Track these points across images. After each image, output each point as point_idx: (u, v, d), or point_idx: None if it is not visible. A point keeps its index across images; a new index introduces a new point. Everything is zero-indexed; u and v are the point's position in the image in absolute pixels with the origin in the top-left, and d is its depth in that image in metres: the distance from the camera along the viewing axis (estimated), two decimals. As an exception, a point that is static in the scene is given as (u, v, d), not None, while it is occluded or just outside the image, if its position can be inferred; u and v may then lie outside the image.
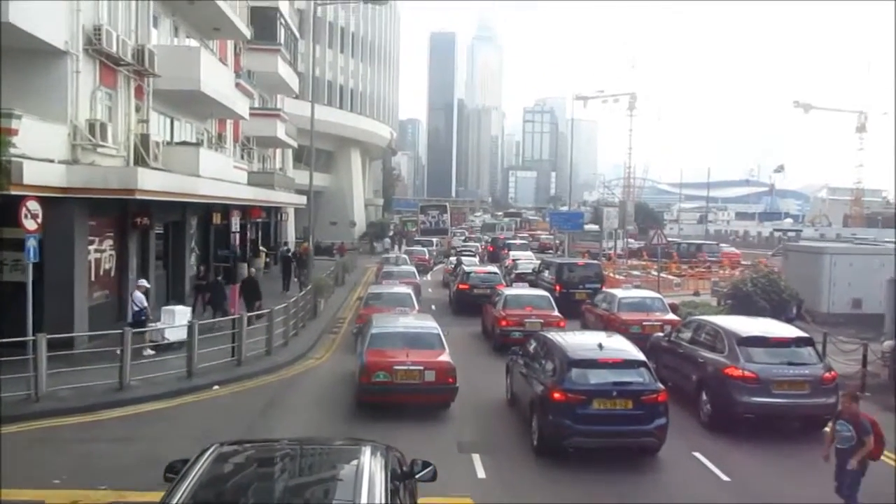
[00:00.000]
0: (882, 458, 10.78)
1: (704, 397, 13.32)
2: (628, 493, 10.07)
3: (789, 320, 20.83)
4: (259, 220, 40.90)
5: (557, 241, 57.17)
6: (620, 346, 12.41)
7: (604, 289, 25.51)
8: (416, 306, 21.20)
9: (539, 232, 79.38)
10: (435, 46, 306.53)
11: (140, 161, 20.50)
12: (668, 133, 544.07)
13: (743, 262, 43.09)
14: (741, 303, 21.41)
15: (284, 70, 37.92)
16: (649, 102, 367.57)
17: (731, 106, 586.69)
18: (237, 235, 18.14)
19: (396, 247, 57.68)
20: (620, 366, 11.49)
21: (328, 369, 17.74)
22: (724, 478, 10.57)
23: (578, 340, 13.14)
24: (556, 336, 13.22)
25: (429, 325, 15.19)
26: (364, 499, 4.80)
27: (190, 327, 15.46)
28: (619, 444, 11.27)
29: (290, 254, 35.11)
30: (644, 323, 19.47)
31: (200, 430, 11.77)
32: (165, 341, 17.42)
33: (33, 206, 13.29)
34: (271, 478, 5.68)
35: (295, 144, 45.88)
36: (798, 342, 13.27)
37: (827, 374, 12.82)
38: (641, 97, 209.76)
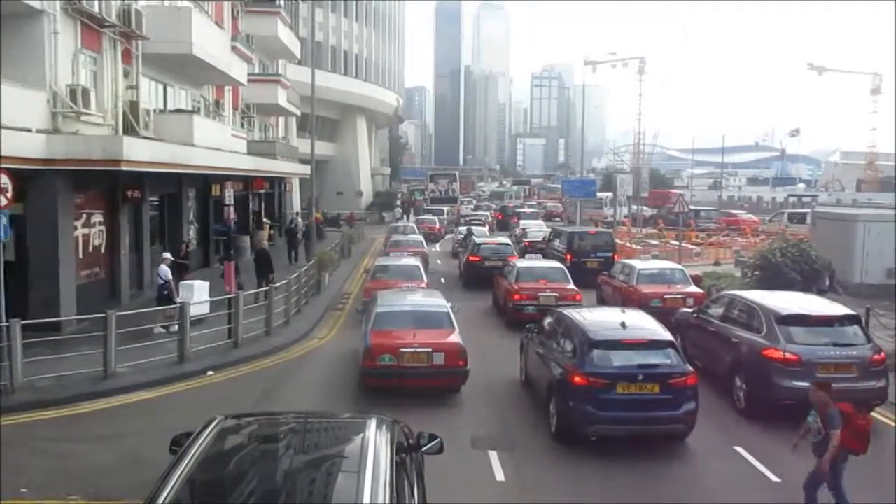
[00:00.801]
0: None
1: (739, 381, 12.23)
2: (666, 495, 8.95)
3: (821, 292, 19.69)
4: (262, 191, 39.72)
5: (568, 209, 56.14)
6: (645, 325, 11.39)
7: (621, 259, 24.45)
8: (425, 278, 20.55)
9: (546, 200, 78.46)
10: (441, 13, 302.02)
11: (129, 130, 19.31)
12: (678, 98, 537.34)
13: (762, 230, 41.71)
14: (770, 274, 20.11)
15: (285, 34, 36.38)
16: (659, 66, 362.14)
17: (743, 70, 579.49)
18: (230, 209, 16.86)
19: (405, 216, 56.60)
20: (646, 346, 10.57)
21: (331, 350, 16.64)
22: (774, 478, 9.39)
23: (599, 318, 12.04)
24: (575, 313, 12.12)
25: (437, 302, 14.26)
26: (369, 472, 4.69)
27: (182, 308, 14.29)
28: (645, 432, 10.39)
29: (294, 225, 34.04)
30: (665, 296, 18.44)
31: (190, 423, 10.61)
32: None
33: (3, 179, 12.08)
34: (275, 451, 5.53)
35: (298, 112, 44.35)
36: (843, 320, 12.09)
37: (876, 356, 11.65)
38: (651, 61, 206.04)
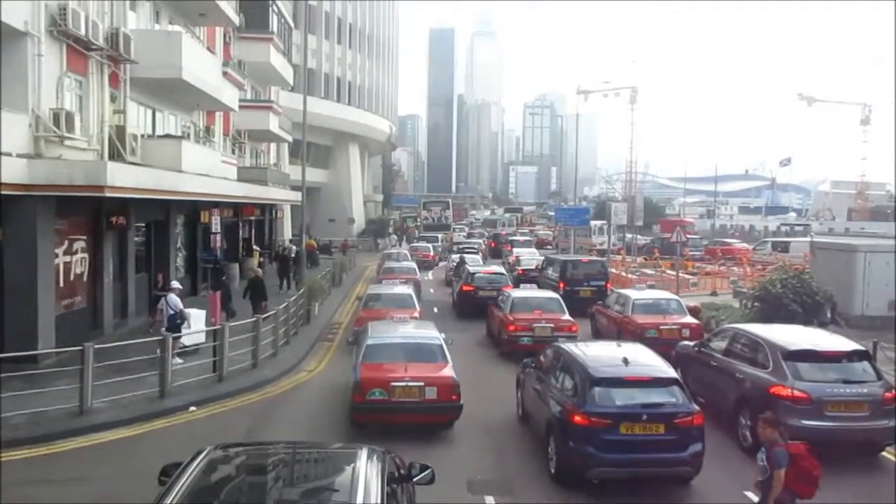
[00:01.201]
0: (883, 455, 9.37)
1: (744, 419, 11.71)
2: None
3: (822, 324, 19.30)
4: (252, 217, 39.21)
5: (558, 237, 56.03)
6: (648, 361, 10.94)
7: (615, 289, 24.25)
8: (418, 307, 20.28)
9: (537, 228, 78.66)
10: (434, 42, 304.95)
11: (116, 155, 18.80)
12: (668, 127, 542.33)
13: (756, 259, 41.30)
14: (770, 306, 19.69)
15: (277, 60, 36.11)
16: (650, 96, 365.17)
17: (733, 100, 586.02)
18: (217, 237, 16.33)
19: (399, 243, 56.47)
20: (650, 384, 10.11)
21: (321, 384, 16.01)
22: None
23: (599, 353, 11.54)
24: (574, 348, 11.70)
25: (430, 334, 13.76)
26: (359, 502, 4.75)
27: (163, 341, 13.67)
28: (649, 475, 9.84)
29: (285, 252, 33.52)
30: (661, 326, 18.24)
31: (170, 461, 10.01)
32: (181, 347, 16.14)
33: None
34: (265, 481, 5.54)
35: (290, 139, 44.03)
36: (852, 356, 11.71)
37: (888, 394, 11.20)
38: (643, 91, 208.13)
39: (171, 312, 16.18)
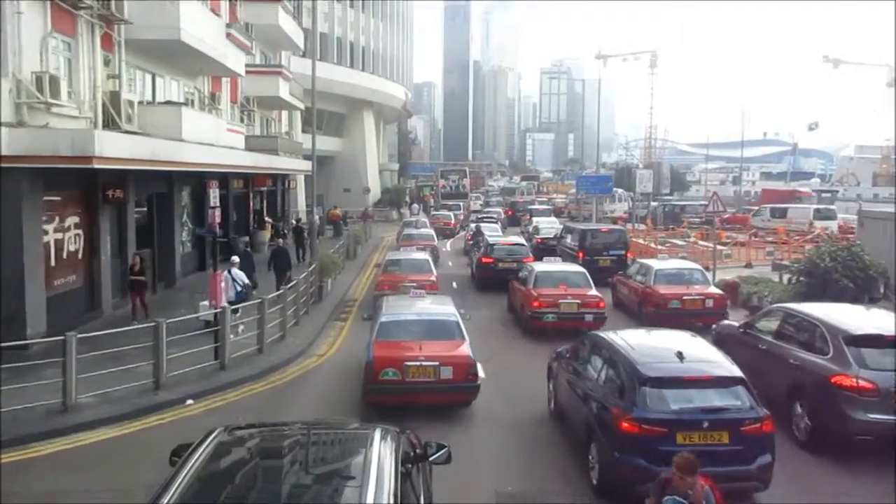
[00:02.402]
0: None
1: (800, 410, 10.56)
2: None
3: (873, 300, 17.82)
4: (264, 188, 37.95)
5: (570, 205, 55.22)
6: (706, 355, 9.41)
7: (638, 259, 23.23)
8: (434, 272, 21.00)
9: (554, 195, 77.65)
10: (449, 10, 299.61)
11: (110, 123, 17.48)
12: (688, 92, 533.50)
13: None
14: (818, 281, 18.10)
15: (286, 23, 34.43)
16: (670, 61, 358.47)
17: (755, 64, 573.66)
18: (216, 212, 14.99)
19: (419, 212, 56.08)
20: (711, 384, 8.64)
21: (331, 370, 14.75)
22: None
23: (647, 343, 10.01)
24: (616, 337, 10.10)
25: (446, 310, 13.10)
26: (373, 482, 4.62)
27: (156, 328, 12.40)
28: None
29: (300, 223, 32.33)
30: (684, 297, 18.06)
31: (157, 469, 8.78)
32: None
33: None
34: (277, 462, 5.42)
35: (302, 106, 42.35)
36: None
37: None
38: (662, 55, 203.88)
39: (239, 288, 16.64)
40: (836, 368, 10.09)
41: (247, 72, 29.81)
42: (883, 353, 10.05)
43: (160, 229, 22.19)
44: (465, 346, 11.80)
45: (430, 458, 6.36)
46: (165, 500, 4.40)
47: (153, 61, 21.54)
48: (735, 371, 8.84)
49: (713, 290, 18.74)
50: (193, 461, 4.94)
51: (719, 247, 27.98)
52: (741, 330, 13.35)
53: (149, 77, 21.86)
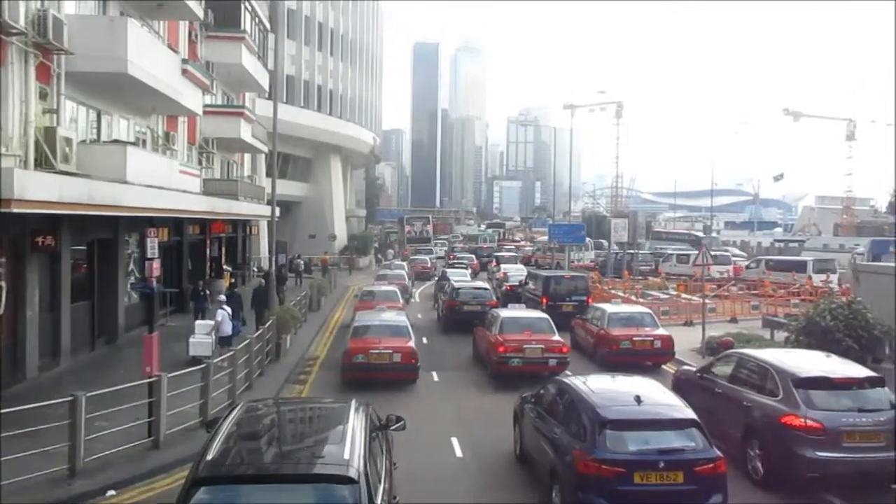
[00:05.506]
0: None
1: (753, 451, 11.14)
2: None
3: (877, 361, 16.59)
4: (223, 234, 36.02)
5: (537, 255, 54.92)
6: (662, 399, 9.80)
7: (595, 304, 23.80)
8: (401, 301, 26.16)
9: (522, 243, 77.19)
10: (418, 57, 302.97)
11: (44, 162, 15.63)
12: (652, 142, 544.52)
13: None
14: (819, 341, 16.76)
15: (250, 62, 32.95)
16: (635, 111, 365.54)
17: (717, 115, 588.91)
18: (154, 264, 13.22)
19: (393, 258, 59.81)
20: (667, 426, 9.09)
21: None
22: None
23: (607, 388, 10.41)
24: (578, 383, 10.47)
25: (400, 319, 19.07)
26: (349, 438, 6.58)
27: (73, 401, 10.40)
28: None
29: (262, 274, 30.44)
30: (634, 338, 19.47)
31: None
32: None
33: None
34: (284, 424, 7.91)
35: (266, 149, 40.67)
36: (867, 383, 11.02)
37: None
38: (628, 105, 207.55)
39: (236, 321, 18.81)
40: (785, 409, 10.64)
41: (206, 112, 28.24)
42: (830, 395, 10.68)
43: (101, 279, 20.15)
44: (412, 342, 17.57)
45: (392, 428, 8.90)
46: (214, 446, 6.48)
47: (99, 97, 19.75)
48: (689, 414, 9.17)
49: (661, 331, 20.03)
50: (225, 427, 6.93)
51: (700, 301, 26.62)
52: (698, 374, 13.74)
53: (94, 113, 20.05)
